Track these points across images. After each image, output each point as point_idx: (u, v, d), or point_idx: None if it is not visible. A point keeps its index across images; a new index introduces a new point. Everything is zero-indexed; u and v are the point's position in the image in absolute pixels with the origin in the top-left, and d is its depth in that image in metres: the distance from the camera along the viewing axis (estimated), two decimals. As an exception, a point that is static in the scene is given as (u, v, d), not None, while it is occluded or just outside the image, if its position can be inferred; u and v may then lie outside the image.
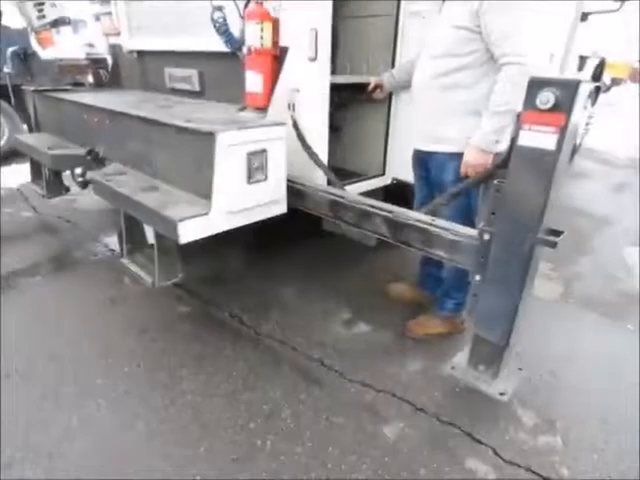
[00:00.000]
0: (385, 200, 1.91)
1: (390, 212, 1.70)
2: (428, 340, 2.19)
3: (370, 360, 2.06)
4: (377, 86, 2.34)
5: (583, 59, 5.15)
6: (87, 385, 1.85)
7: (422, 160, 2.05)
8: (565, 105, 1.18)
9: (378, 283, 2.68)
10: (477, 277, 1.52)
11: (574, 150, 6.12)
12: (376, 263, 2.96)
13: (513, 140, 1.31)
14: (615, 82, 9.39)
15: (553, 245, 1.33)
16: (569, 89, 1.17)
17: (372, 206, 1.75)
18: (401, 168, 2.64)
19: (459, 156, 1.81)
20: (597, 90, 6.14)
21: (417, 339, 2.19)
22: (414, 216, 1.66)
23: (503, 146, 1.76)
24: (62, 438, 1.61)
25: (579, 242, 3.51)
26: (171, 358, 2.02)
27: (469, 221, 1.95)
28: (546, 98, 1.18)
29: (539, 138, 1.24)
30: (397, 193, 2.67)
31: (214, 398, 1.80)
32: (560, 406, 1.84)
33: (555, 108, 1.18)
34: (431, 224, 1.61)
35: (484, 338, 1.58)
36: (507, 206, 1.37)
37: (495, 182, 1.41)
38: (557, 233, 1.38)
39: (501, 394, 1.56)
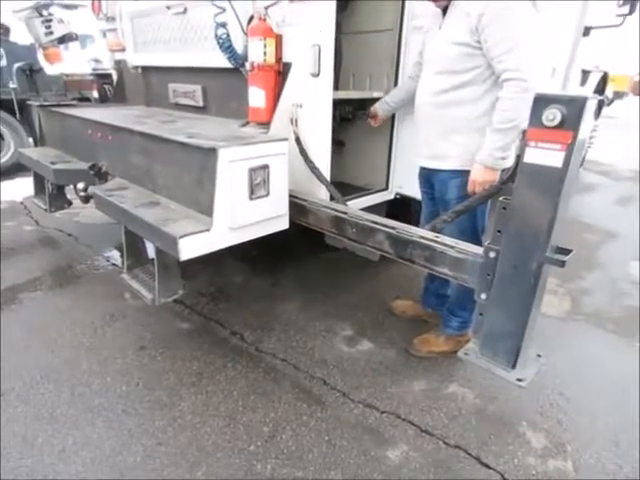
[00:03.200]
0: (388, 215, 1.89)
1: (393, 228, 1.67)
2: (432, 359, 2.14)
3: (373, 379, 2.01)
4: (372, 116, 2.32)
5: (586, 73, 5.16)
6: (84, 404, 1.81)
7: (426, 177, 2.04)
8: (572, 122, 1.15)
9: (381, 299, 2.64)
10: (483, 296, 1.48)
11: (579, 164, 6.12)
12: (379, 279, 2.92)
13: (519, 157, 1.29)
14: (617, 95, 9.43)
15: (562, 264, 1.29)
16: (576, 106, 1.14)
17: (375, 222, 1.72)
18: (404, 183, 2.62)
19: (462, 173, 1.79)
20: (600, 104, 6.15)
21: (421, 357, 2.15)
22: (418, 232, 1.62)
23: (510, 162, 1.74)
24: (57, 460, 1.57)
25: (585, 257, 3.47)
26: (170, 376, 1.98)
27: (475, 240, 1.92)
28: (552, 115, 1.16)
29: (545, 155, 1.21)
30: (400, 208, 2.65)
31: (213, 419, 1.76)
32: (570, 428, 1.78)
33: (562, 125, 1.16)
34: (435, 241, 1.57)
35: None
36: (513, 224, 1.33)
37: (501, 199, 1.37)
38: (566, 251, 1.34)
39: (519, 380, 1.46)
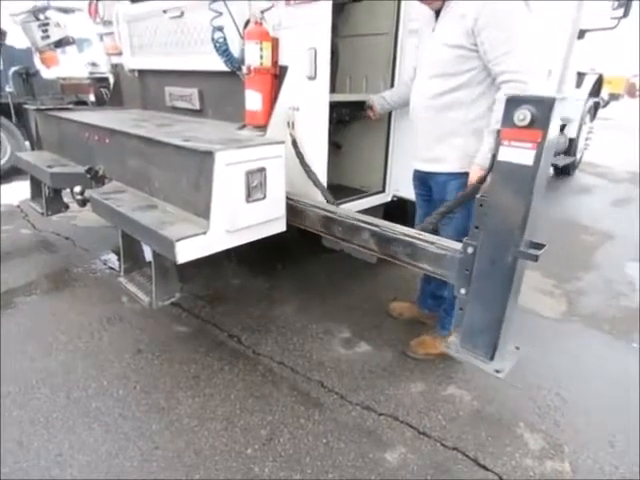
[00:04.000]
0: (385, 217, 1.89)
1: (377, 226, 1.71)
2: (430, 361, 2.14)
3: (371, 381, 2.01)
4: (369, 108, 2.34)
5: (581, 75, 5.19)
6: (80, 408, 1.80)
7: (423, 179, 2.04)
8: (541, 122, 1.20)
9: (378, 301, 2.64)
10: (462, 291, 1.52)
11: (574, 165, 6.14)
12: (376, 281, 2.92)
13: (494, 156, 1.33)
14: (613, 97, 9.49)
15: (535, 259, 1.33)
16: (545, 106, 1.19)
17: (360, 220, 1.75)
18: (401, 185, 2.62)
19: (460, 175, 1.80)
20: (596, 105, 6.19)
21: (418, 359, 2.15)
22: (400, 230, 1.67)
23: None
24: (53, 464, 1.56)
25: (581, 258, 3.48)
26: (167, 380, 1.98)
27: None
28: (523, 115, 1.20)
29: (517, 154, 1.27)
30: (397, 210, 2.65)
31: (211, 422, 1.75)
32: (567, 429, 1.78)
33: (532, 125, 1.21)
34: (417, 237, 1.62)
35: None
36: (489, 220, 1.39)
37: (478, 197, 1.42)
38: (539, 246, 1.38)
39: (497, 371, 1.50)
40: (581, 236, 3.97)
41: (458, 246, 1.50)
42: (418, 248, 1.60)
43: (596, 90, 5.86)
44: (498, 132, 1.30)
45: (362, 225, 1.74)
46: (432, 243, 1.57)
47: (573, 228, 4.19)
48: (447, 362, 2.13)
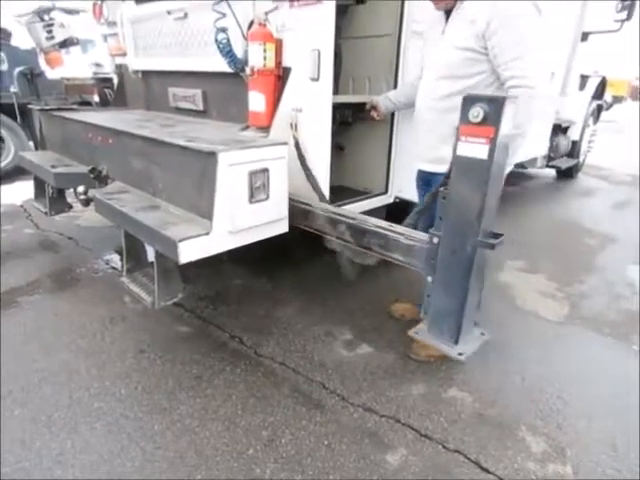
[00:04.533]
0: (388, 219, 1.90)
1: (353, 219, 1.84)
2: (431, 362, 2.14)
3: (373, 383, 2.01)
4: (373, 108, 2.34)
5: (584, 78, 5.19)
6: (82, 408, 1.80)
7: (426, 180, 2.04)
8: (493, 118, 1.32)
9: (380, 303, 2.64)
10: (429, 279, 1.62)
11: (577, 167, 6.13)
12: (378, 282, 2.92)
13: (454, 151, 1.42)
14: (616, 100, 9.47)
15: (492, 247, 1.44)
16: (496, 104, 1.31)
17: (337, 214, 1.89)
18: (404, 187, 2.63)
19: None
20: (599, 108, 6.17)
21: (420, 361, 2.14)
22: (374, 222, 1.80)
23: (510, 167, 1.77)
24: (55, 463, 1.56)
25: (584, 260, 3.47)
26: (169, 380, 1.98)
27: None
28: (477, 112, 1.32)
29: (473, 148, 1.38)
30: (400, 211, 2.65)
31: (212, 423, 1.75)
32: (569, 432, 1.78)
33: (485, 121, 1.32)
34: (388, 229, 1.74)
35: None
36: (451, 211, 1.49)
37: (441, 190, 1.52)
38: (497, 236, 1.47)
39: (459, 354, 1.60)
40: (583, 239, 3.96)
41: (425, 237, 1.61)
42: (390, 239, 1.72)
43: (599, 93, 5.85)
44: (458, 129, 1.40)
45: (339, 218, 1.87)
46: (402, 234, 1.70)
47: (576, 231, 4.18)
48: (449, 364, 2.13)
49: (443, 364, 2.13)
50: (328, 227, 1.91)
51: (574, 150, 5.71)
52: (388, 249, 1.73)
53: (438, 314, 1.63)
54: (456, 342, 1.59)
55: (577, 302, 2.81)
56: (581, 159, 6.11)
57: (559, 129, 5.08)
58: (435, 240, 1.55)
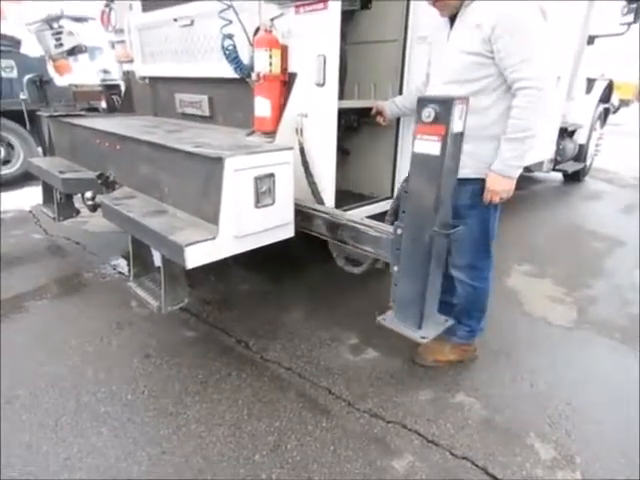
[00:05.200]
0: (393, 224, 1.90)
1: (327, 214, 1.97)
2: (438, 368, 2.12)
3: (379, 388, 2.00)
4: (379, 113, 2.35)
5: (591, 81, 5.17)
6: (89, 413, 1.81)
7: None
8: (444, 118, 1.42)
9: (386, 307, 2.62)
10: (395, 268, 1.74)
11: (584, 171, 6.09)
12: (384, 287, 2.89)
13: (412, 148, 1.53)
14: (623, 103, 9.41)
15: (447, 237, 1.58)
16: (446, 105, 1.42)
17: (314, 209, 2.03)
18: (409, 191, 2.62)
19: (473, 181, 1.79)
20: (606, 112, 6.14)
21: (427, 366, 2.13)
22: (346, 216, 1.93)
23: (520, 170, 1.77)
24: (62, 468, 1.57)
25: (592, 265, 3.44)
26: (175, 384, 1.98)
27: (486, 248, 1.92)
28: (428, 113, 1.43)
29: (427, 146, 1.49)
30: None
31: (218, 428, 1.75)
32: (578, 439, 1.75)
33: (436, 121, 1.43)
34: (359, 223, 1.87)
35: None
36: (411, 204, 1.61)
37: (402, 184, 1.64)
38: (452, 226, 1.61)
39: (422, 337, 1.71)
40: (591, 243, 3.93)
41: (391, 229, 1.72)
42: (360, 232, 1.85)
43: (606, 96, 5.82)
44: (414, 128, 1.50)
45: (315, 213, 2.01)
46: (371, 227, 1.82)
47: (583, 234, 4.15)
48: (456, 369, 2.12)
49: (450, 369, 2.12)
50: (307, 223, 2.04)
51: (581, 154, 5.68)
52: (359, 241, 1.87)
53: (403, 301, 1.76)
54: (419, 327, 1.70)
55: (585, 307, 2.79)
56: (588, 163, 6.07)
57: (566, 132, 5.05)
58: (399, 231, 1.67)
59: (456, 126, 1.47)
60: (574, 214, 4.91)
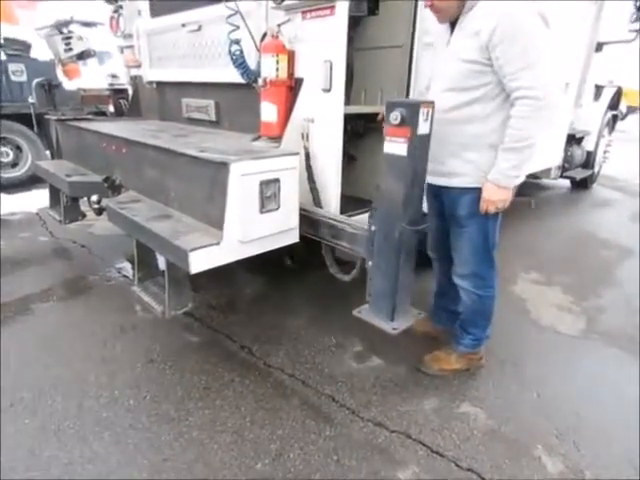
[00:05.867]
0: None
1: (307, 211, 2.05)
2: (443, 377, 2.09)
3: (383, 397, 1.97)
4: (383, 120, 2.33)
5: (599, 88, 5.13)
6: (91, 418, 1.80)
7: (435, 193, 2.00)
8: (410, 121, 1.52)
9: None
10: (370, 263, 1.83)
11: (592, 178, 6.03)
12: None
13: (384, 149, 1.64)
14: (631, 110, 9.34)
15: (416, 232, 1.72)
16: (412, 109, 1.51)
17: (301, 209, 2.04)
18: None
19: (473, 190, 1.77)
20: (614, 118, 6.09)
21: (432, 375, 2.10)
22: (325, 214, 2.03)
23: (521, 178, 1.74)
24: (63, 473, 1.56)
25: (600, 273, 3.40)
26: (178, 390, 1.97)
27: (487, 256, 1.90)
28: (396, 116, 1.53)
29: (396, 147, 1.60)
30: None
31: (220, 435, 1.73)
32: (587, 451, 1.72)
33: (403, 123, 1.52)
34: (335, 220, 1.97)
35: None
36: (382, 202, 1.71)
37: (377, 184, 1.74)
38: (420, 222, 1.73)
39: (394, 329, 1.82)
40: (599, 251, 3.88)
41: (366, 226, 1.81)
42: (338, 229, 1.94)
43: (615, 103, 5.78)
44: (385, 131, 1.62)
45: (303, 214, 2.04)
46: (348, 224, 1.92)
47: (591, 242, 4.10)
48: (461, 379, 2.09)
49: (455, 378, 2.09)
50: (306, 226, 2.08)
51: (589, 161, 5.63)
52: (337, 237, 1.97)
53: (377, 294, 1.85)
54: (392, 319, 1.81)
55: (594, 316, 2.75)
56: (596, 170, 6.02)
57: (573, 139, 5.01)
58: (373, 228, 1.76)
59: (422, 128, 1.55)
60: (582, 222, 4.86)
